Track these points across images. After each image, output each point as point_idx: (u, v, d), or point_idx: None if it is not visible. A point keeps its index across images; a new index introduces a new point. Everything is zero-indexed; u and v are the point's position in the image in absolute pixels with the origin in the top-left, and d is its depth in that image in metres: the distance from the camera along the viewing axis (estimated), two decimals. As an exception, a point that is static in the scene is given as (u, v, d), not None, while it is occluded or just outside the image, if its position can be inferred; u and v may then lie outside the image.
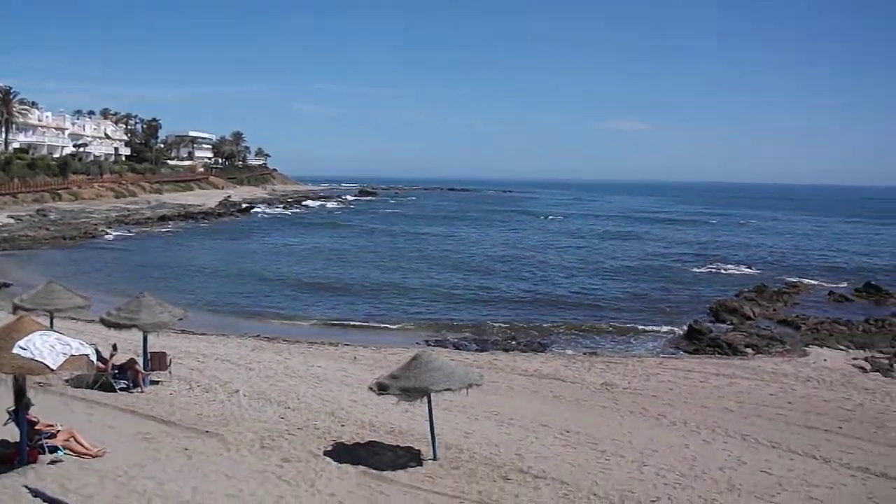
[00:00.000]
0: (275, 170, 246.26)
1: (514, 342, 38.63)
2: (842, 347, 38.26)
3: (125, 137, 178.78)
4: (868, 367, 34.28)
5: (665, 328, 43.30)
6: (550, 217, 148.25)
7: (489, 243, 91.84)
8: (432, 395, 18.01)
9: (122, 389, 23.23)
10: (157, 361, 25.14)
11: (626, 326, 43.58)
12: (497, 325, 43.39)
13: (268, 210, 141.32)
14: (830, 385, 30.15)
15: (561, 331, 42.06)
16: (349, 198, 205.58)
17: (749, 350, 37.18)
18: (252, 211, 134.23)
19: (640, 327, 43.43)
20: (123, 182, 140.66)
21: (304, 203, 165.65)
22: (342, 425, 21.18)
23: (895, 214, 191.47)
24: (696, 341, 39.46)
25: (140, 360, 24.51)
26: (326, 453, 18.30)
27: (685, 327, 42.45)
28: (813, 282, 63.38)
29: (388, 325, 42.58)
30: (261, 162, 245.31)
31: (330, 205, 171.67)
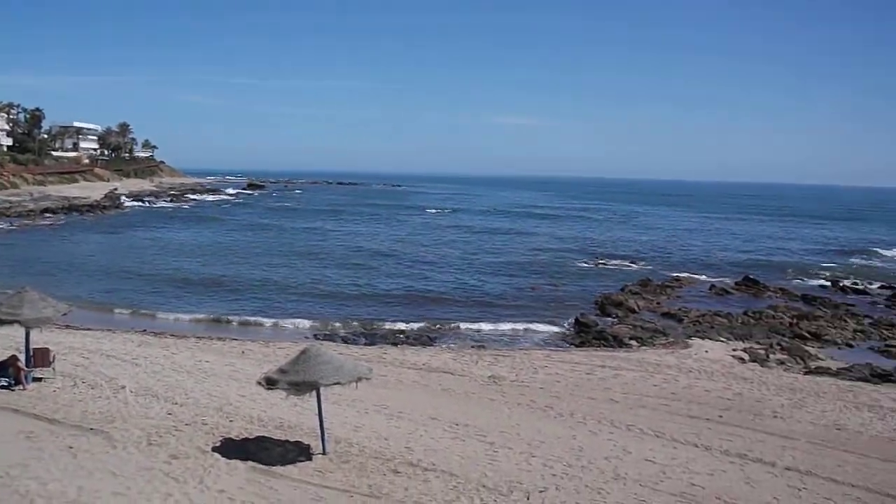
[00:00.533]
0: (162, 162, 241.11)
1: (402, 336, 38.73)
2: (722, 339, 39.35)
3: (6, 127, 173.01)
4: (746, 357, 35.39)
5: (552, 322, 43.85)
6: (438, 211, 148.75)
7: (377, 238, 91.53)
8: (321, 388, 17.98)
9: (2, 387, 22.62)
10: (40, 358, 24.45)
11: (513, 320, 44.00)
12: (386, 318, 43.40)
13: (155, 203, 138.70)
14: (711, 375, 30.97)
15: (449, 324, 42.22)
16: (236, 191, 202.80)
17: (634, 342, 37.93)
18: (138, 203, 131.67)
19: (527, 321, 43.87)
20: (5, 173, 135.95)
21: (190, 196, 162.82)
22: (231, 420, 20.97)
23: (774, 211, 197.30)
24: (583, 334, 40.14)
25: (22, 357, 23.83)
26: (215, 449, 18.14)
27: (572, 321, 43.15)
28: (695, 276, 65.10)
29: (276, 320, 42.14)
30: (148, 154, 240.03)
31: (217, 198, 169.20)
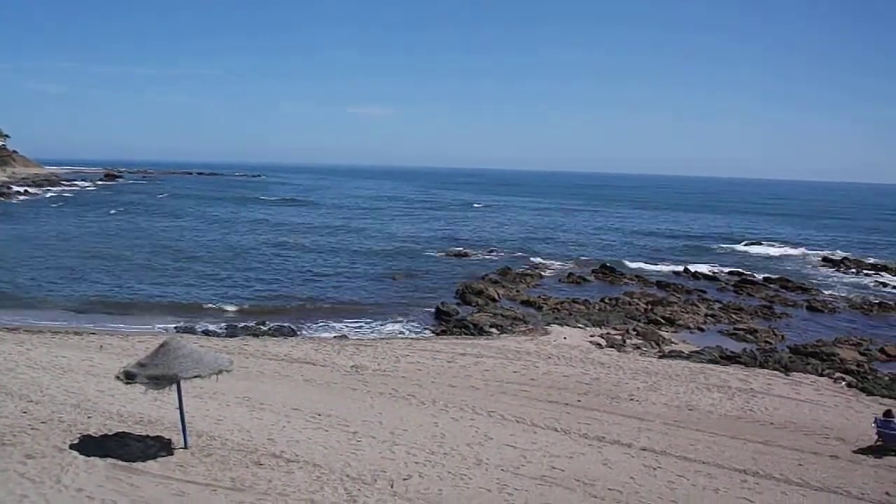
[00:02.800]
0: (15, 151, 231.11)
1: (264, 327, 38.35)
2: (580, 325, 40.19)
3: None
4: (604, 343, 36.28)
5: (413, 311, 44.11)
6: (301, 201, 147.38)
7: (241, 228, 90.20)
8: (182, 382, 17.74)
9: None
10: None
11: (375, 310, 44.09)
12: (248, 310, 43.01)
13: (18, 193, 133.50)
14: (570, 361, 31.63)
15: (311, 315, 42.03)
16: (91, 182, 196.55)
17: (494, 330, 38.42)
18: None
19: (388, 310, 44.02)
20: None
21: (44, 187, 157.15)
22: (89, 417, 20.50)
23: (640, 201, 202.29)
24: (444, 323, 40.48)
25: None
26: (73, 447, 17.72)
27: (433, 310, 43.44)
28: (555, 264, 66.19)
29: (134, 313, 41.19)
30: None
31: (72, 188, 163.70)
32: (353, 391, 25.61)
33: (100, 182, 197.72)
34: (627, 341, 37.04)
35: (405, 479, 17.36)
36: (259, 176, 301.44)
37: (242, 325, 38.96)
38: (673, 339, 38.37)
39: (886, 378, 31.68)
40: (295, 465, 17.78)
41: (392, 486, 16.95)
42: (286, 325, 39.16)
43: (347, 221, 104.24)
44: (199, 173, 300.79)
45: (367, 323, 40.77)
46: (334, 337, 36.68)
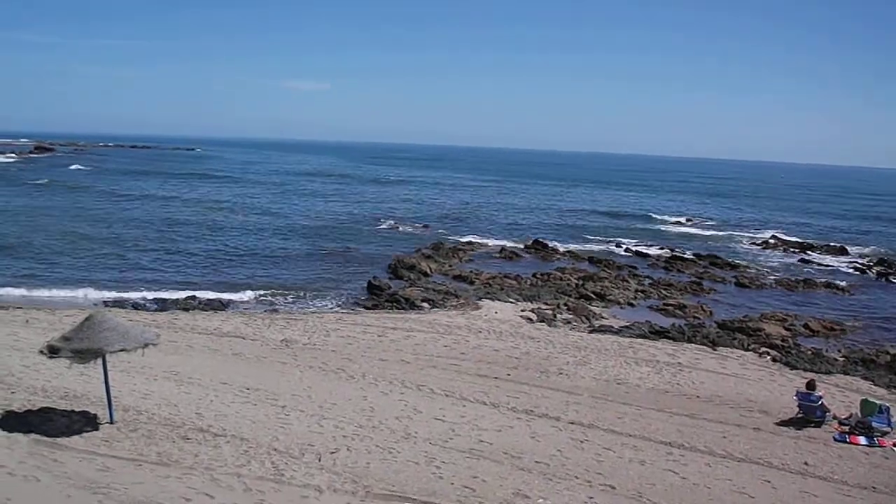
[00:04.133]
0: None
1: (194, 301, 38.00)
2: (511, 300, 40.36)
3: None
4: (534, 317, 36.47)
5: (345, 285, 44.01)
6: (235, 176, 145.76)
7: (170, 202, 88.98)
8: (107, 356, 17.56)
9: None
10: None
11: (306, 283, 43.92)
12: (178, 283, 42.50)
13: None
14: (500, 335, 31.77)
15: (242, 289, 41.63)
16: (19, 155, 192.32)
17: (426, 304, 38.45)
18: None
19: (320, 284, 43.91)
20: None
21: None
22: (12, 392, 20.20)
23: (574, 178, 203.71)
24: (375, 297, 40.42)
25: None
26: (-6, 422, 17.48)
27: (365, 284, 43.35)
28: (487, 239, 66.44)
29: (63, 287, 40.52)
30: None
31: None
32: (283, 365, 25.50)
33: (30, 154, 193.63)
34: (558, 316, 37.29)
35: (333, 453, 17.36)
36: (194, 149, 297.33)
37: (173, 299, 38.50)
38: (603, 315, 38.71)
39: (809, 352, 32.34)
40: (222, 440, 17.71)
41: (320, 460, 16.94)
42: (216, 299, 38.83)
43: (281, 196, 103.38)
44: (133, 146, 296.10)
45: (298, 297, 40.53)
46: (265, 311, 36.47)
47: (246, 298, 39.56)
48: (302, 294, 41.22)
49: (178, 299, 38.39)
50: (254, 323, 32.20)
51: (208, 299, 38.50)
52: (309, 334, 30.22)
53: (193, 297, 38.78)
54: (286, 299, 39.91)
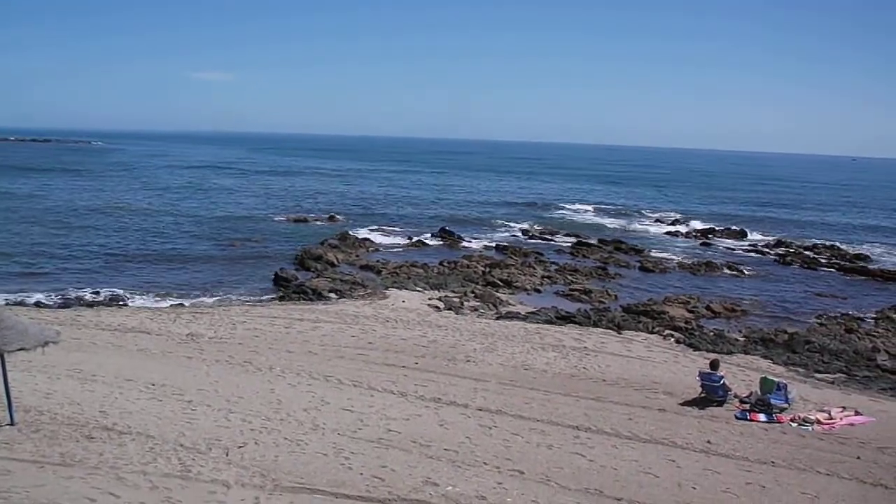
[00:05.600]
0: None
1: (98, 297, 37.37)
2: (419, 289, 40.45)
3: None
4: (442, 305, 36.62)
5: (252, 277, 43.69)
6: (138, 169, 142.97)
7: (71, 197, 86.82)
8: (6, 355, 17.19)
9: None
10: None
11: (212, 277, 43.53)
12: (81, 280, 41.69)
13: None
14: (408, 324, 31.85)
15: (147, 283, 41.06)
16: None
17: (333, 295, 38.32)
18: None
19: (226, 277, 43.55)
20: None
21: None
22: None
23: (471, 167, 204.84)
24: (282, 289, 40.19)
25: None
26: None
27: (271, 276, 43.04)
28: (395, 228, 66.44)
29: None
30: None
31: None
32: (189, 359, 25.21)
33: None
34: (465, 304, 37.49)
35: (241, 447, 17.25)
36: (91, 143, 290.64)
37: (76, 296, 37.79)
38: (510, 301, 39.04)
39: (712, 334, 33.10)
40: (127, 437, 17.47)
41: (227, 455, 16.82)
42: (121, 294, 38.21)
43: (185, 188, 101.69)
44: (21, 139, 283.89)
45: (204, 290, 40.05)
46: (170, 305, 35.96)
47: (151, 293, 38.97)
48: (208, 287, 40.76)
49: (81, 296, 37.69)
50: (159, 318, 31.74)
51: (112, 295, 37.85)
52: (215, 328, 29.91)
53: (97, 293, 38.13)
54: (192, 293, 39.39)
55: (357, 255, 51.32)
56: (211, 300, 37.96)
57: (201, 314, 32.70)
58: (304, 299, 37.57)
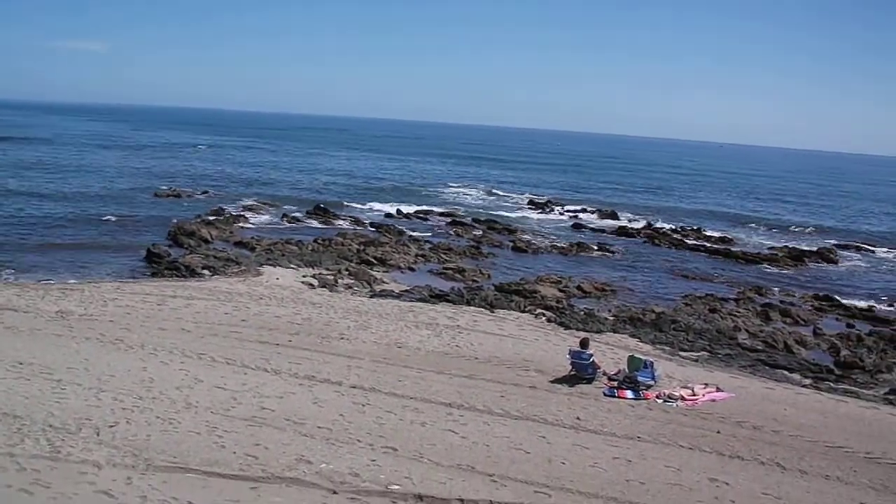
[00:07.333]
0: None
1: (-40, 273, 36.26)
2: (293, 266, 40.31)
3: None
4: (316, 283, 36.60)
5: (124, 253, 42.89)
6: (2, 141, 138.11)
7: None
8: None
9: None
10: None
11: (83, 253, 42.50)
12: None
13: None
14: (282, 302, 31.77)
15: (14, 259, 39.88)
16: None
17: (206, 272, 37.93)
18: None
19: (98, 253, 42.62)
20: None
21: None
22: None
23: (348, 144, 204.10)
24: (155, 265, 39.57)
25: None
26: None
27: (144, 252, 42.31)
28: (268, 204, 66.00)
29: None
30: None
31: None
32: (58, 337, 24.67)
33: None
34: (339, 281, 37.54)
35: (112, 427, 17.05)
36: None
37: (-65, 272, 36.57)
38: (384, 279, 39.27)
39: (582, 313, 33.93)
40: (-7, 418, 17.10)
41: (98, 434, 16.63)
42: (-16, 270, 37.12)
43: (55, 162, 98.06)
44: None
45: (74, 267, 39.11)
46: (38, 281, 35.04)
47: (18, 269, 37.89)
48: (78, 264, 39.81)
49: (-58, 272, 36.48)
50: (27, 294, 30.87)
51: (-25, 270, 36.74)
52: (86, 305, 29.29)
53: (-41, 269, 36.98)
54: (61, 270, 38.43)
55: (231, 232, 50.82)
56: (81, 276, 37.11)
57: (71, 291, 31.96)
58: (177, 276, 37.08)
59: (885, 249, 65.83)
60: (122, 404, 18.49)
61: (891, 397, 24.95)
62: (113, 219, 54.66)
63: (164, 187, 74.74)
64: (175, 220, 52.99)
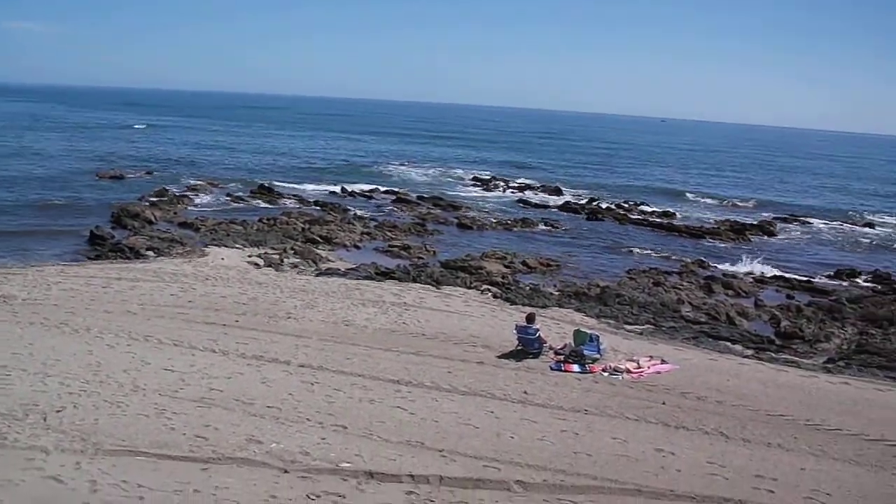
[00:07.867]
0: None
1: None
2: (238, 246, 40.16)
3: None
4: (262, 262, 36.53)
5: (66, 236, 42.43)
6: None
7: None
8: None
9: None
10: None
11: (25, 236, 41.99)
12: None
13: None
14: (228, 282, 31.66)
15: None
16: None
17: (151, 253, 37.67)
18: None
19: (40, 236, 42.10)
20: None
21: None
22: None
23: (291, 122, 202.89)
24: (98, 247, 39.23)
25: None
26: None
27: (87, 234, 41.89)
28: (213, 185, 65.39)
29: None
30: None
31: None
32: (1, 323, 24.40)
33: None
34: (285, 260, 37.50)
35: (58, 412, 16.95)
36: None
37: None
38: (330, 258, 39.29)
39: (528, 288, 34.23)
40: (-64, 406, 16.93)
41: (45, 420, 16.52)
42: (-78, 255, 36.53)
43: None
44: None
45: (15, 250, 38.58)
46: (-23, 267, 34.58)
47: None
48: (20, 248, 39.27)
49: None
50: (-34, 281, 30.49)
51: (-87, 256, 36.14)
52: (28, 289, 28.95)
53: None
54: (3, 253, 37.86)
55: (175, 213, 50.47)
56: (23, 260, 36.61)
57: (13, 275, 31.54)
58: (121, 258, 36.78)
59: (822, 222, 67.02)
60: (69, 389, 18.37)
61: (829, 366, 25.63)
62: (53, 201, 53.93)
63: (107, 168, 73.83)
64: (118, 202, 52.42)
